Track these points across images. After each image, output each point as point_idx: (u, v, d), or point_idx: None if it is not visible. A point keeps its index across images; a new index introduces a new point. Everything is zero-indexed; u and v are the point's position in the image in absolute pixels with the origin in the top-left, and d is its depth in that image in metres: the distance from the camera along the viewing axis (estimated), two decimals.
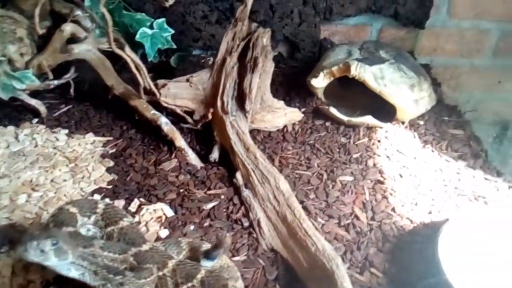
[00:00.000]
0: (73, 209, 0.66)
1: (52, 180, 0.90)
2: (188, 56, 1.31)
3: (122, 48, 0.98)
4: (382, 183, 0.93)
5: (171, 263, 0.63)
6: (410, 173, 0.96)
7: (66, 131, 1.06)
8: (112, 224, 0.66)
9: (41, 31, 0.95)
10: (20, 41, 1.02)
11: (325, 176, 0.94)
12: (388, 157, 1.00)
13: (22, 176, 0.90)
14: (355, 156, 1.00)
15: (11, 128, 1.04)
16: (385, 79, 1.04)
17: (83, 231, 0.66)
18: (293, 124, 1.10)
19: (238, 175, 0.91)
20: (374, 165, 0.98)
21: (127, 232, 0.65)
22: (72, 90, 1.14)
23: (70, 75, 1.13)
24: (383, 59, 1.08)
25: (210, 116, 1.00)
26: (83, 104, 1.16)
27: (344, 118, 1.06)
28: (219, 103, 1.00)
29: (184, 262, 0.65)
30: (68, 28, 1.03)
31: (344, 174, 0.95)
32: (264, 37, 1.03)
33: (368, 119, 1.05)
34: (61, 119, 1.10)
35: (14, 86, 0.95)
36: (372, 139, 1.04)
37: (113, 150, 1.02)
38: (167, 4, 0.81)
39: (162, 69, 1.24)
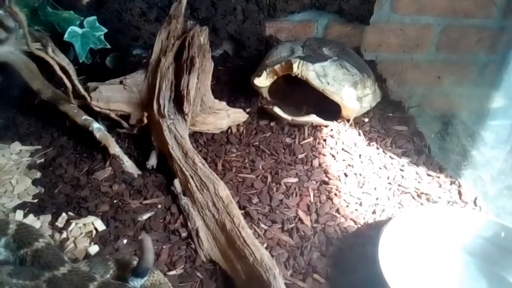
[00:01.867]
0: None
1: None
2: (127, 57, 1.24)
3: (45, 48, 0.90)
4: (327, 183, 0.91)
5: (92, 286, 0.57)
6: (355, 171, 0.95)
7: None
8: (25, 246, 0.60)
9: None
10: None
11: (269, 179, 0.91)
12: (333, 156, 0.98)
13: None
14: (300, 156, 0.97)
15: None
16: (328, 77, 1.02)
17: None
18: (238, 125, 1.06)
19: (176, 182, 0.86)
20: (320, 165, 0.96)
21: (42, 254, 0.58)
22: None
23: None
24: (326, 57, 1.06)
25: (145, 120, 0.94)
26: (10, 111, 1.07)
27: (288, 117, 1.03)
28: (155, 106, 0.94)
29: (108, 284, 0.59)
30: None
31: (289, 176, 0.92)
32: (201, 36, 0.98)
33: (313, 118, 1.02)
34: None
35: None
36: (317, 138, 1.02)
37: (42, 160, 0.94)
38: (84, 2, 0.74)
39: (98, 71, 1.16)
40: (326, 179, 0.92)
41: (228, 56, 1.36)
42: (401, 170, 0.96)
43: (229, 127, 1.05)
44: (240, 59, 1.35)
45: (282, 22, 1.34)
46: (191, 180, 0.84)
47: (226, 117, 1.04)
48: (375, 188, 0.91)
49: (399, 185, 0.92)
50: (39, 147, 0.97)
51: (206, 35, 0.99)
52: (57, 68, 0.91)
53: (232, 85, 1.22)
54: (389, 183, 0.93)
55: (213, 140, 1.02)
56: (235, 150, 1.00)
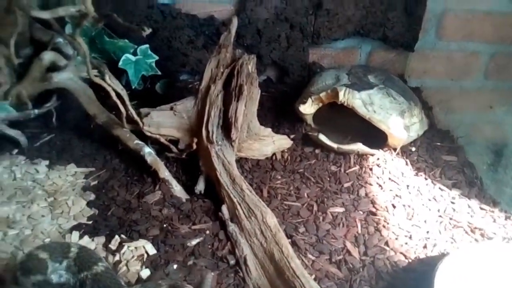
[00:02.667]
0: (43, 255, 0.62)
1: (29, 216, 0.86)
2: (174, 82, 1.29)
3: (102, 76, 0.95)
4: (374, 214, 0.90)
5: None
6: (403, 203, 0.93)
7: (47, 162, 1.01)
8: (85, 269, 0.62)
9: (17, 61, 0.92)
10: None
11: (315, 208, 0.91)
12: (380, 186, 0.97)
13: None
14: (346, 185, 0.97)
15: None
16: (374, 105, 1.01)
17: (54, 277, 0.62)
18: (282, 151, 1.07)
19: (224, 208, 0.87)
20: (366, 194, 0.95)
21: (101, 278, 0.60)
22: (54, 119, 1.10)
23: (51, 104, 1.09)
24: (372, 84, 1.06)
25: (194, 146, 0.97)
26: (65, 133, 1.12)
27: (334, 145, 1.03)
28: (204, 132, 0.97)
29: None
30: (47, 56, 1.01)
31: (335, 205, 0.91)
32: (249, 64, 1.01)
33: (359, 147, 1.02)
34: (42, 149, 1.06)
35: None
36: (364, 167, 1.01)
37: (95, 182, 0.97)
38: (145, 34, 0.79)
39: (149, 96, 1.21)
40: (374, 210, 0.91)
41: (271, 82, 1.38)
42: (452, 202, 0.93)
43: (274, 154, 1.06)
44: (283, 85, 1.37)
45: (326, 49, 1.36)
46: (238, 207, 0.85)
47: (272, 143, 1.05)
48: (425, 221, 0.89)
49: (450, 219, 0.90)
50: (93, 169, 1.01)
51: (254, 63, 1.02)
52: (113, 94, 0.96)
53: (276, 111, 1.24)
54: (440, 216, 0.90)
55: (258, 166, 1.03)
56: (280, 177, 1.00)
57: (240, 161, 1.03)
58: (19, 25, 0.91)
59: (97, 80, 0.91)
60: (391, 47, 1.34)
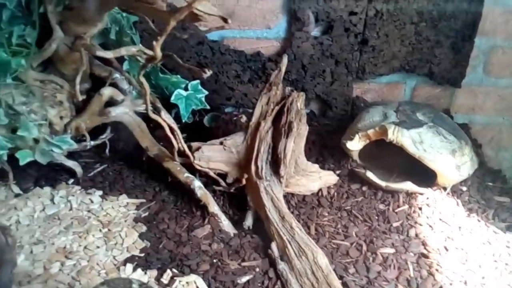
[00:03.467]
0: None
1: (85, 247, 0.89)
2: (220, 115, 1.32)
3: (158, 112, 0.99)
4: (426, 257, 0.88)
5: None
6: (456, 245, 0.90)
7: (101, 192, 1.05)
8: None
9: (81, 98, 0.97)
10: (60, 105, 1.05)
11: (364, 248, 0.90)
12: (431, 226, 0.95)
13: (56, 243, 0.89)
14: (395, 225, 0.95)
15: (47, 189, 1.05)
16: (424, 143, 1.01)
17: None
18: (328, 187, 1.07)
19: (274, 246, 0.87)
20: (417, 235, 0.93)
21: None
22: (107, 150, 1.15)
23: (106, 136, 1.14)
24: (421, 122, 1.05)
25: (244, 181, 0.98)
26: (117, 164, 1.17)
27: (382, 183, 1.02)
28: (253, 168, 0.98)
29: None
30: (106, 92, 1.06)
31: (384, 246, 0.90)
32: (299, 101, 1.03)
33: (408, 185, 1.01)
34: (96, 180, 1.10)
35: (53, 150, 0.97)
36: (413, 206, 1.00)
37: (146, 214, 1.00)
38: (205, 76, 0.82)
39: (196, 129, 1.24)
40: (425, 252, 0.89)
41: (314, 116, 1.39)
42: (507, 247, 0.90)
43: (320, 189, 1.06)
44: (326, 119, 1.38)
45: (369, 83, 1.36)
46: (288, 245, 0.85)
47: (318, 179, 1.05)
48: (479, 266, 0.86)
49: (506, 264, 0.86)
50: (144, 200, 1.04)
51: (303, 101, 1.04)
52: (167, 129, 0.99)
53: (320, 145, 1.24)
54: (495, 261, 0.87)
55: (304, 202, 1.04)
56: (327, 214, 1.00)
57: (287, 197, 1.03)
58: (84, 64, 0.96)
59: (154, 116, 0.95)
60: (437, 83, 1.33)
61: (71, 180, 1.09)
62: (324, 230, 0.95)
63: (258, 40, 1.32)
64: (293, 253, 0.84)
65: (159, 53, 0.75)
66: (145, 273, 0.84)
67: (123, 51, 0.97)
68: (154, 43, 0.73)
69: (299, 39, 1.27)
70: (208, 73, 0.81)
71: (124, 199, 1.05)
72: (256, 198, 0.96)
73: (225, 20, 0.68)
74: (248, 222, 0.95)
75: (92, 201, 1.02)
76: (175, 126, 1.00)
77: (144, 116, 1.11)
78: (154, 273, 0.85)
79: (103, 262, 0.86)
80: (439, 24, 1.26)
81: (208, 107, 1.19)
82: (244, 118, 1.36)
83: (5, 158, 0.92)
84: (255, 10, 1.29)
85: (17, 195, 1.02)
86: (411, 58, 1.29)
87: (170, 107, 1.18)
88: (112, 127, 1.17)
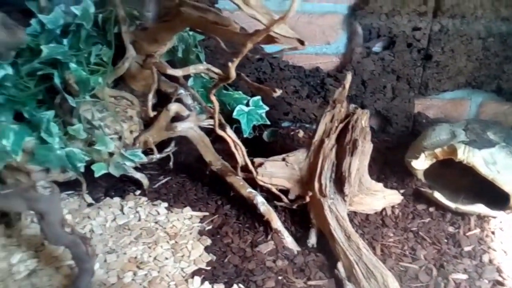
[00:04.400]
0: None
1: (155, 258, 0.92)
2: (278, 130, 1.33)
3: (223, 128, 1.02)
4: (502, 284, 0.84)
5: None
6: None
7: (166, 204, 1.09)
8: None
9: (152, 114, 1.02)
10: (130, 120, 1.10)
11: (434, 272, 0.87)
12: (505, 252, 0.91)
13: (128, 252, 0.93)
14: (466, 249, 0.92)
15: (116, 199, 1.10)
16: (497, 164, 0.96)
17: None
18: (392, 207, 1.05)
19: (340, 266, 0.87)
20: (490, 261, 0.89)
21: None
22: (171, 163, 1.19)
23: (170, 149, 1.18)
24: (493, 142, 1.01)
25: (308, 199, 0.98)
26: (179, 176, 1.20)
27: (451, 205, 0.99)
28: (316, 185, 0.98)
29: None
30: (173, 107, 1.10)
31: (456, 271, 0.87)
32: (363, 119, 1.02)
33: (480, 208, 0.97)
34: (161, 191, 1.14)
35: (125, 164, 1.02)
36: (485, 230, 0.95)
37: (210, 227, 1.02)
38: (275, 95, 0.83)
39: (256, 144, 1.26)
40: (501, 279, 0.85)
41: (373, 132, 1.37)
42: None
43: (384, 209, 1.04)
44: (385, 135, 1.35)
45: (432, 99, 1.33)
46: (356, 266, 0.84)
47: (382, 198, 1.03)
48: None
49: None
50: (207, 213, 1.07)
51: (367, 118, 1.02)
52: (232, 145, 1.01)
53: (380, 162, 1.22)
54: None
55: (368, 221, 1.02)
56: (392, 235, 0.98)
57: (349, 215, 1.02)
58: (156, 82, 1.01)
59: (221, 132, 0.98)
60: (505, 99, 1.27)
61: (138, 192, 1.14)
62: (390, 252, 0.93)
63: (317, 55, 1.32)
64: (360, 274, 0.83)
65: (233, 74, 0.77)
66: (212, 287, 0.86)
67: (192, 70, 1.01)
68: (230, 64, 0.75)
69: (360, 54, 1.27)
70: (278, 92, 0.83)
71: (188, 211, 1.08)
72: (320, 216, 0.96)
73: (301, 42, 0.69)
74: (312, 240, 0.95)
75: (158, 213, 1.06)
76: (239, 142, 1.02)
77: (208, 132, 1.14)
78: (221, 286, 0.86)
79: (172, 273, 0.89)
80: (508, 39, 1.21)
81: (268, 122, 1.20)
82: (301, 133, 1.37)
83: (82, 170, 0.97)
84: (315, 26, 1.30)
85: (89, 205, 1.08)
86: (478, 74, 1.24)
87: (231, 122, 1.21)
88: (175, 141, 1.21)
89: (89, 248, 0.79)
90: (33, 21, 1.02)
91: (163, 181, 1.19)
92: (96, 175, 0.99)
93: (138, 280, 0.87)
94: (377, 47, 1.28)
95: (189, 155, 1.25)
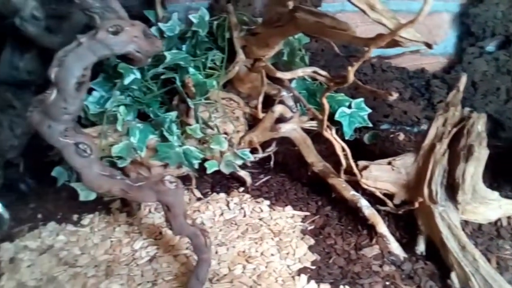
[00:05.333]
0: None
1: (262, 253, 0.97)
2: (378, 132, 1.31)
3: (330, 130, 1.03)
4: None
5: None
6: None
7: (268, 202, 1.13)
8: None
9: (262, 115, 1.06)
10: (237, 120, 1.16)
11: None
12: None
13: (237, 246, 0.99)
14: None
15: (222, 195, 1.16)
16: None
17: None
18: (508, 217, 0.98)
19: (454, 276, 0.83)
20: None
21: None
22: (272, 163, 1.23)
23: (272, 149, 1.22)
24: None
25: (416, 205, 0.96)
26: (279, 176, 1.24)
27: None
28: (425, 191, 0.95)
29: None
30: (277, 109, 1.13)
31: None
32: (479, 123, 0.96)
33: None
34: (262, 190, 1.19)
35: (235, 162, 1.08)
36: None
37: (312, 227, 1.04)
38: (391, 99, 0.83)
39: (352, 146, 1.24)
40: None
41: None
42: None
43: (498, 219, 0.98)
44: (496, 140, 1.26)
45: None
46: (472, 278, 0.81)
47: (498, 208, 0.97)
48: None
49: None
50: (308, 213, 1.09)
51: (483, 123, 0.97)
52: (337, 147, 1.02)
53: (492, 169, 1.14)
54: None
55: (481, 232, 0.97)
56: (508, 247, 0.92)
57: (461, 224, 0.97)
58: (265, 85, 1.05)
59: (328, 135, 0.99)
60: None
61: (241, 189, 1.19)
62: (507, 265, 0.88)
63: (422, 56, 1.28)
64: (477, 287, 0.79)
65: (351, 78, 0.78)
66: (318, 286, 0.88)
67: (300, 72, 1.04)
68: (349, 68, 0.76)
69: (471, 54, 1.20)
70: (395, 96, 0.82)
71: (289, 210, 1.10)
72: (429, 223, 0.93)
73: (429, 46, 0.68)
74: (421, 247, 0.93)
75: (261, 210, 1.10)
76: (344, 144, 1.02)
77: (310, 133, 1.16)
78: (327, 287, 0.88)
79: (279, 269, 0.92)
80: None
81: (370, 124, 1.19)
82: (402, 136, 1.33)
83: (196, 166, 1.05)
84: (421, 26, 1.24)
85: (198, 199, 1.15)
86: None
87: (332, 124, 1.21)
88: (275, 141, 1.25)
89: (207, 240, 0.85)
90: (153, 29, 1.12)
91: (264, 179, 1.23)
92: (208, 171, 1.06)
93: (248, 273, 0.91)
94: (491, 46, 1.20)
95: (287, 155, 1.28)
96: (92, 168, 0.79)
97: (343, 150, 1.02)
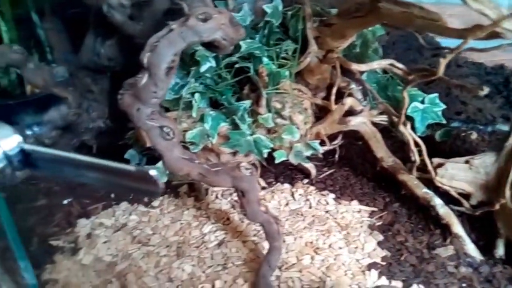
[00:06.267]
0: None
1: (330, 246, 0.96)
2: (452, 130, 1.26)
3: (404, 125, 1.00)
4: None
5: None
6: None
7: (333, 195, 1.12)
8: None
9: (334, 107, 1.05)
10: (305, 111, 1.15)
11: None
12: None
13: (304, 236, 0.99)
14: None
15: (286, 186, 1.17)
16: None
17: None
18: None
19: None
20: None
21: None
22: (337, 156, 1.22)
23: (337, 142, 1.21)
24: None
25: (497, 206, 0.91)
26: (343, 169, 1.22)
27: None
28: (508, 193, 0.90)
29: None
30: (348, 101, 1.12)
31: None
32: None
33: None
34: (326, 182, 1.18)
35: (305, 153, 1.08)
36: None
37: (380, 223, 1.03)
38: (482, 94, 0.79)
39: (423, 143, 1.21)
40: None
41: None
42: None
43: None
44: None
45: None
46: None
47: None
48: None
49: None
50: (375, 209, 1.07)
51: None
52: (411, 143, 1.00)
53: None
54: None
55: None
56: None
57: None
58: (339, 77, 1.04)
59: (404, 130, 0.97)
60: None
61: (305, 180, 1.19)
62: None
63: (503, 51, 1.21)
64: None
65: (442, 70, 0.75)
66: (390, 282, 0.86)
67: (375, 65, 1.02)
68: (441, 59, 0.73)
69: None
70: (485, 90, 0.78)
71: (356, 205, 1.09)
72: (510, 226, 0.88)
73: None
74: (500, 251, 0.89)
75: (327, 203, 1.10)
76: (419, 140, 1.00)
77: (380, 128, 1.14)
78: (399, 284, 0.86)
79: (348, 263, 0.92)
80: None
81: (444, 121, 1.15)
82: (474, 135, 1.27)
83: (266, 155, 1.05)
84: None
85: (263, 188, 1.16)
86: None
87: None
88: (341, 135, 1.23)
89: (280, 227, 0.86)
90: None
91: (328, 172, 1.22)
92: (277, 161, 1.07)
93: (316, 264, 0.91)
94: None
95: (350, 150, 1.26)
96: (174, 151, 0.81)
97: (417, 146, 0.99)
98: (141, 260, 0.96)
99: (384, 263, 0.91)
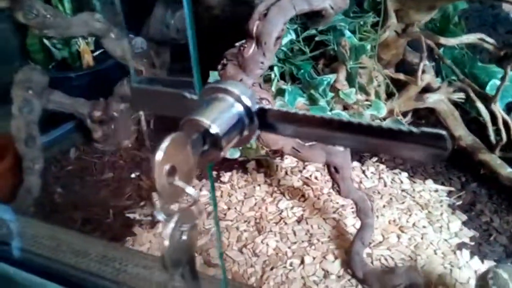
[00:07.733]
0: (505, 275, 0.66)
1: (413, 224, 0.95)
2: None
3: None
4: None
5: None
6: None
7: (406, 174, 1.10)
8: None
9: (420, 84, 1.02)
10: (378, 87, 1.12)
11: None
12: None
13: (386, 215, 0.97)
14: None
15: (356, 163, 1.15)
16: None
17: None
18: None
19: None
20: None
21: None
22: None
23: (407, 119, 1.18)
24: None
25: None
26: None
27: None
28: None
29: None
30: (426, 77, 1.08)
31: None
32: None
33: None
34: (396, 161, 1.15)
35: None
36: None
37: (459, 203, 1.01)
38: None
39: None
40: None
41: None
42: None
43: None
44: None
45: None
46: None
47: None
48: None
49: None
50: (452, 189, 1.05)
51: None
52: (500, 120, 0.97)
53: None
54: None
55: None
56: None
57: None
58: (425, 51, 1.00)
59: (494, 107, 0.94)
60: None
61: (374, 158, 1.16)
62: None
63: None
64: None
65: None
66: (482, 262, 0.85)
67: (464, 39, 0.98)
68: None
69: None
70: None
71: (430, 184, 1.07)
72: None
73: None
74: None
75: (401, 181, 1.08)
76: (508, 118, 0.97)
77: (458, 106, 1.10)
78: (492, 264, 0.84)
79: (436, 242, 0.90)
80: None
81: None
82: None
83: None
84: None
85: None
86: None
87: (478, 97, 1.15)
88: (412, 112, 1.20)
89: (373, 204, 0.84)
90: None
91: None
92: None
93: (404, 243, 0.90)
94: None
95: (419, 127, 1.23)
96: None
97: (505, 124, 0.96)
98: (222, 234, 0.95)
99: (473, 243, 0.89)
